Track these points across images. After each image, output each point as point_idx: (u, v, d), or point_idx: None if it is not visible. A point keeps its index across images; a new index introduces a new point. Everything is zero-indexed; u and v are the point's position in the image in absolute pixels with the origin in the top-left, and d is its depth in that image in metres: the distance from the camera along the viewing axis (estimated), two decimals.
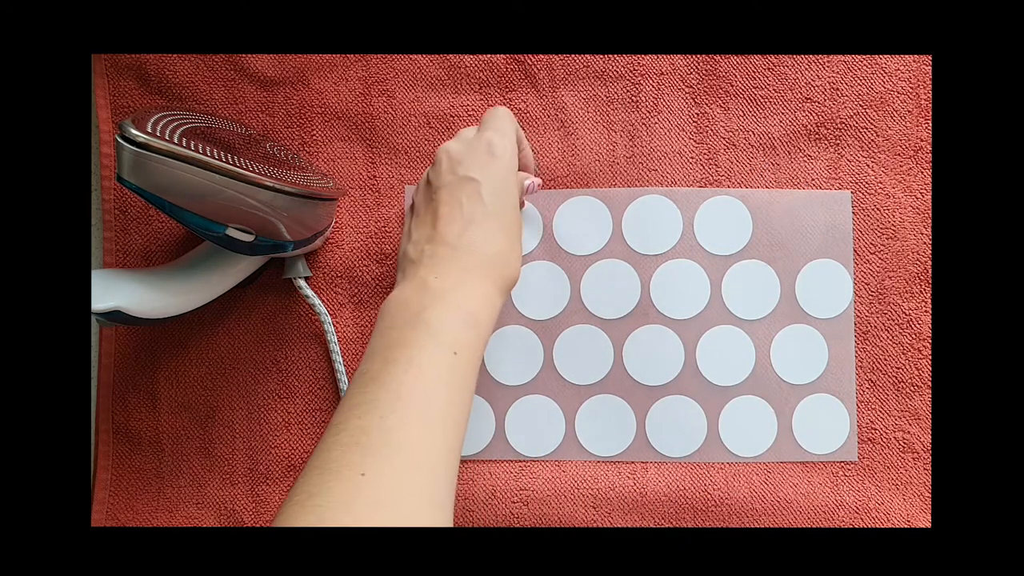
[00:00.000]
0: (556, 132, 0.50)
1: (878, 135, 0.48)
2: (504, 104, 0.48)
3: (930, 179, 0.48)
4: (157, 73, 0.50)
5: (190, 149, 0.36)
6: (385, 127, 0.50)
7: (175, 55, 0.50)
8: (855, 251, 0.48)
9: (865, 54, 0.48)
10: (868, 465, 0.48)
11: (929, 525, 0.47)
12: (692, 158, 0.49)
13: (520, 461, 0.49)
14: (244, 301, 0.50)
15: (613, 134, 0.49)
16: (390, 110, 0.50)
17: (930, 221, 0.48)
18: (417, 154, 0.50)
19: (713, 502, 0.48)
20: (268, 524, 0.49)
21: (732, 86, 0.49)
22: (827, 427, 0.48)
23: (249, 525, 0.50)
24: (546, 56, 0.50)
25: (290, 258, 0.49)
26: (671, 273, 0.49)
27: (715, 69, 0.49)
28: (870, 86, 0.48)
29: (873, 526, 0.48)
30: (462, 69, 0.50)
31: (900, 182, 0.48)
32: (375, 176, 0.51)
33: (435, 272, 0.37)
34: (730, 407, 0.48)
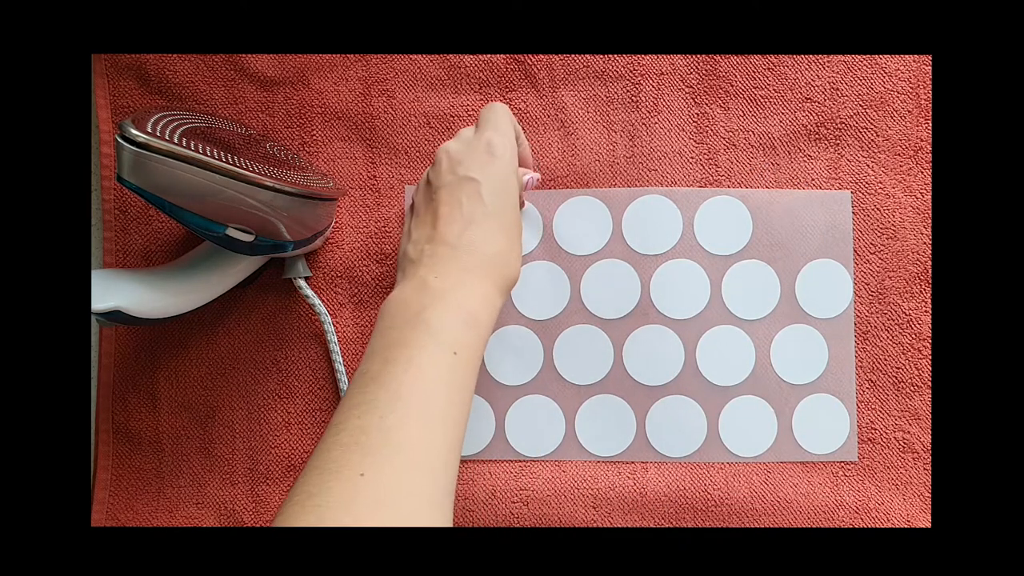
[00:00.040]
0: (556, 132, 0.50)
1: (878, 135, 0.48)
2: (504, 104, 0.48)
3: (930, 179, 0.48)
4: (157, 73, 0.50)
5: (190, 149, 0.36)
6: (385, 127, 0.50)
7: (175, 55, 0.50)
8: (855, 251, 0.48)
9: (865, 54, 0.48)
10: (868, 465, 0.48)
11: (929, 525, 0.47)
12: (692, 158, 0.49)
13: (520, 461, 0.49)
14: (244, 301, 0.50)
15: (613, 134, 0.49)
16: (390, 110, 0.50)
17: (930, 221, 0.48)
18: (417, 154, 0.50)
19: (713, 502, 0.48)
20: (268, 524, 0.49)
21: (732, 86, 0.49)
22: (827, 427, 0.48)
23: (249, 525, 0.50)
24: (546, 56, 0.50)
25: (290, 258, 0.49)
26: (671, 273, 0.49)
27: (715, 69, 0.49)
28: (870, 86, 0.48)
29: (873, 526, 0.48)
30: (462, 69, 0.50)
31: (900, 182, 0.48)
32: (375, 176, 0.51)
33: (435, 272, 0.37)
34: (730, 407, 0.48)
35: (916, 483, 0.48)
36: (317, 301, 0.49)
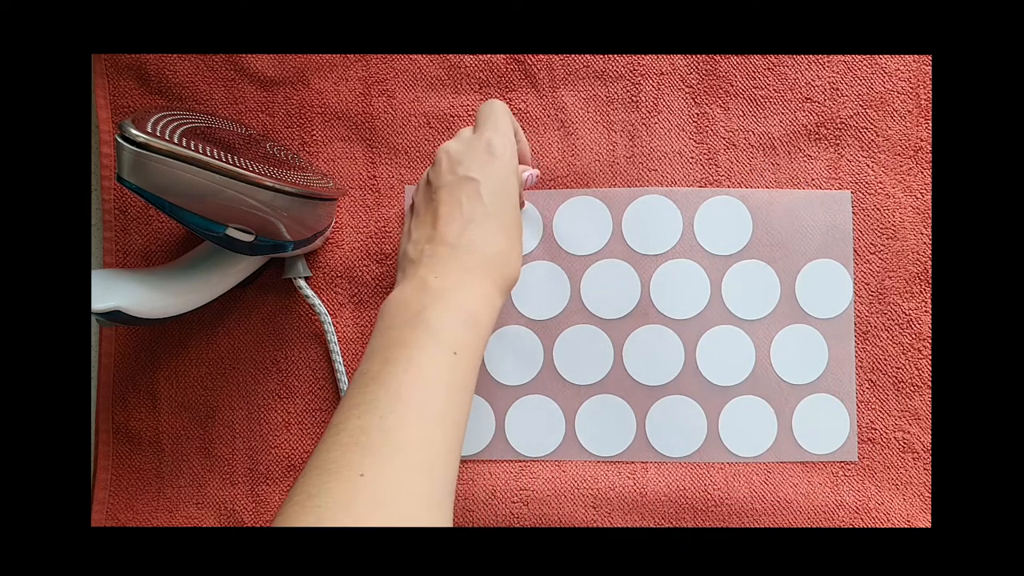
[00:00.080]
0: (556, 132, 0.50)
1: (878, 135, 0.48)
2: (502, 101, 0.48)
3: (930, 179, 0.48)
4: (157, 73, 0.50)
5: (190, 149, 0.36)
6: (385, 127, 0.50)
7: (175, 55, 0.50)
8: (855, 251, 0.48)
9: (865, 54, 0.48)
10: (868, 465, 0.48)
11: (929, 525, 0.47)
12: (692, 158, 0.49)
13: (520, 461, 0.49)
14: (244, 301, 0.50)
15: (613, 134, 0.49)
16: (390, 110, 0.50)
17: (930, 221, 0.48)
18: (417, 154, 0.50)
19: (713, 502, 0.48)
20: (268, 524, 0.49)
21: (732, 86, 0.49)
22: (827, 427, 0.48)
23: (249, 525, 0.50)
24: (546, 56, 0.50)
25: (290, 258, 0.49)
26: (671, 273, 0.49)
27: (715, 69, 0.49)
28: (870, 86, 0.48)
29: (873, 526, 0.48)
30: (462, 69, 0.50)
31: (900, 182, 0.48)
32: (375, 176, 0.51)
33: (435, 272, 0.37)
34: (730, 407, 0.48)
35: (916, 483, 0.48)
36: (317, 301, 0.49)
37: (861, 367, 0.48)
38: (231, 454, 0.50)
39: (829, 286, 0.48)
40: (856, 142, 0.49)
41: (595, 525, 0.48)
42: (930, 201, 0.48)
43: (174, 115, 0.40)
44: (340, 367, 0.49)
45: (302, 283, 0.49)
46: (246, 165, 0.39)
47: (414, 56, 0.50)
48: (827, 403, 0.48)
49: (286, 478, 0.50)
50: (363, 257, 0.50)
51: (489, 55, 0.50)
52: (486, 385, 0.49)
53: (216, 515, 0.50)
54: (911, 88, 0.48)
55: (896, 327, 0.48)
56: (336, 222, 0.50)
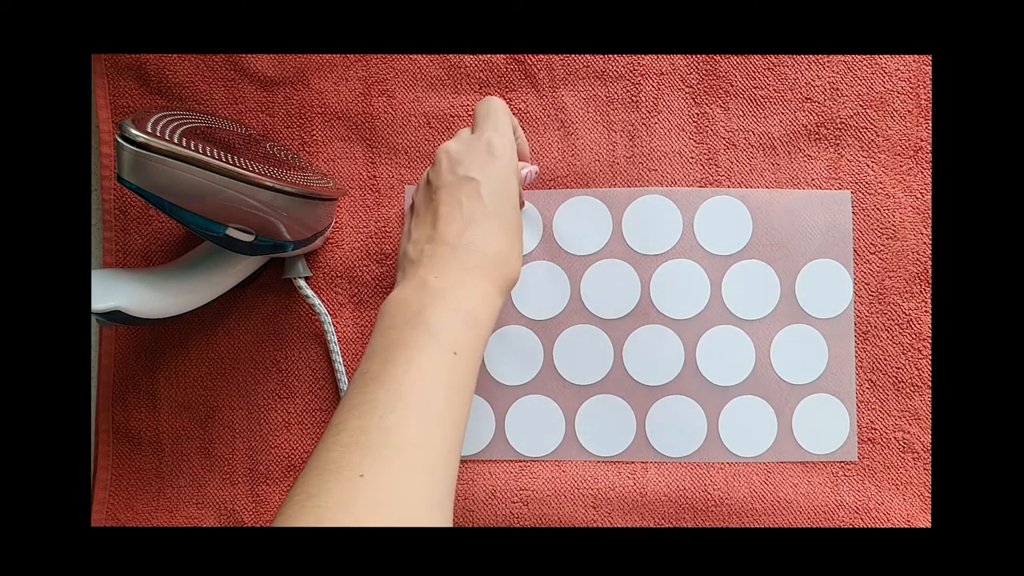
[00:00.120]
0: (556, 132, 0.50)
1: (878, 135, 0.48)
2: (500, 98, 0.47)
3: (930, 179, 0.48)
4: (157, 73, 0.50)
5: (190, 149, 0.36)
6: (385, 127, 0.50)
7: (175, 55, 0.50)
8: (855, 251, 0.48)
9: (865, 54, 0.48)
10: (868, 465, 0.48)
11: (929, 525, 0.47)
12: (692, 158, 0.49)
13: (520, 461, 0.49)
14: (244, 301, 0.50)
15: (613, 134, 0.49)
16: (390, 110, 0.50)
17: (930, 221, 0.48)
18: (417, 154, 0.50)
19: (713, 502, 0.48)
20: (268, 524, 0.49)
21: (732, 86, 0.49)
22: (827, 427, 0.48)
23: (249, 525, 0.50)
24: (546, 56, 0.50)
25: (290, 258, 0.49)
26: (671, 273, 0.49)
27: (715, 69, 0.49)
28: (870, 86, 0.48)
29: (873, 526, 0.48)
30: (462, 69, 0.50)
31: (900, 182, 0.48)
32: (375, 176, 0.51)
33: (435, 272, 0.37)
34: (730, 407, 0.48)
35: (916, 483, 0.48)
36: (317, 301, 0.49)
37: (861, 367, 0.48)
38: (231, 454, 0.50)
39: (829, 286, 0.48)
40: (856, 142, 0.49)
41: (595, 525, 0.48)
42: (930, 201, 0.48)
43: (174, 115, 0.40)
44: (340, 367, 0.49)
45: (302, 283, 0.49)
46: (246, 165, 0.39)
47: (414, 56, 0.50)
48: (827, 403, 0.48)
49: (286, 478, 0.50)
50: (363, 257, 0.50)
51: (489, 55, 0.50)
52: (486, 385, 0.49)
53: (216, 515, 0.50)
54: (911, 88, 0.48)
55: (896, 327, 0.48)
56: (336, 222, 0.50)
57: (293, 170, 0.45)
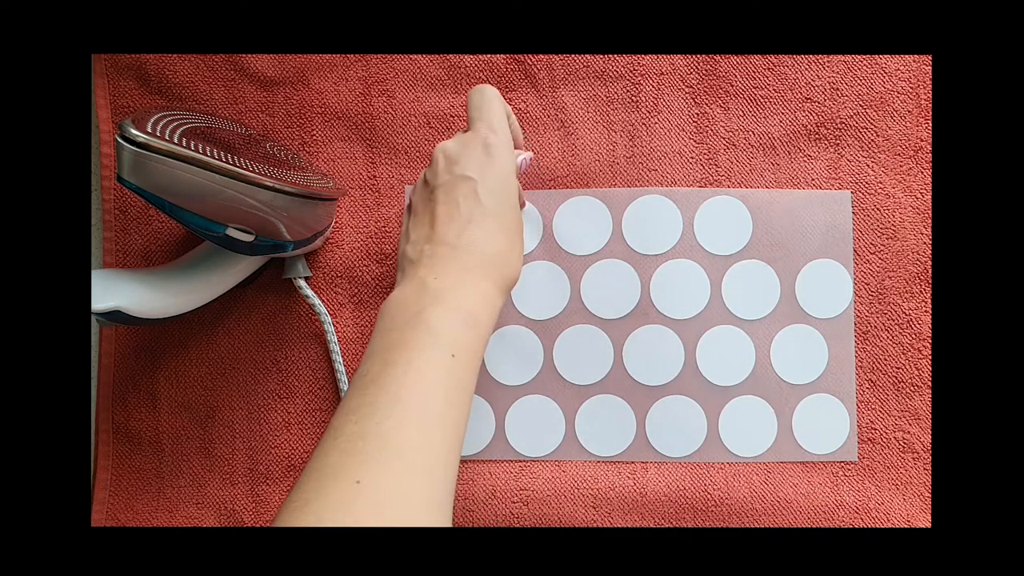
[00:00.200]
0: (556, 132, 0.50)
1: (878, 135, 0.48)
2: (492, 87, 0.44)
3: (930, 179, 0.48)
4: (157, 73, 0.50)
5: (190, 149, 0.36)
6: (385, 127, 0.50)
7: (175, 55, 0.50)
8: (855, 251, 0.48)
9: (865, 54, 0.48)
10: (868, 465, 0.48)
11: (929, 525, 0.47)
12: (692, 158, 0.49)
13: (520, 461, 0.49)
14: (244, 301, 0.50)
15: (613, 134, 0.49)
16: (390, 110, 0.50)
17: (930, 221, 0.48)
18: (417, 154, 0.50)
19: (713, 502, 0.48)
20: (268, 524, 0.49)
21: (732, 86, 0.49)
22: (827, 427, 0.48)
23: (249, 525, 0.50)
24: (546, 56, 0.50)
25: (290, 258, 0.49)
26: (671, 273, 0.49)
27: (715, 69, 0.49)
28: (870, 86, 0.48)
29: (873, 526, 0.48)
30: (462, 69, 0.50)
31: (900, 182, 0.48)
32: (375, 176, 0.51)
33: (434, 272, 0.36)
34: (730, 407, 0.48)
35: (916, 483, 0.48)
36: (317, 301, 0.49)
37: (861, 367, 0.48)
38: (231, 454, 0.50)
39: (829, 286, 0.48)
40: (856, 142, 0.49)
41: (595, 525, 0.48)
42: (930, 201, 0.48)
43: (174, 115, 0.40)
44: (340, 367, 0.49)
45: (302, 283, 0.49)
46: (246, 165, 0.39)
47: (414, 56, 0.50)
48: (827, 403, 0.48)
49: (286, 478, 0.50)
50: (363, 257, 0.50)
51: (489, 55, 0.50)
52: (486, 385, 0.49)
53: (216, 515, 0.50)
54: (911, 88, 0.48)
55: (896, 327, 0.48)
56: (336, 222, 0.50)
57: (293, 170, 0.45)
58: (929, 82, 0.48)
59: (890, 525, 0.47)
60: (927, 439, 0.48)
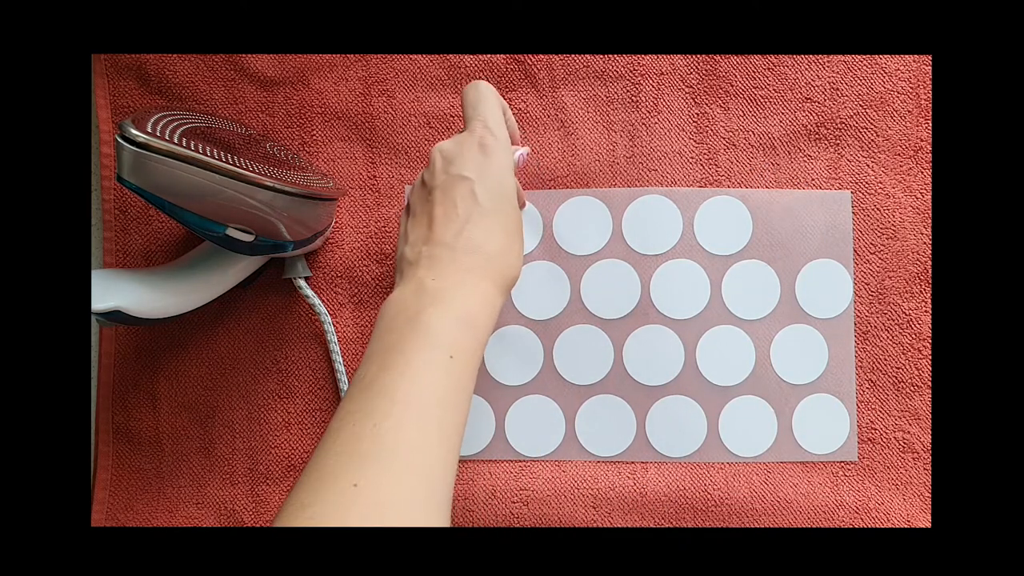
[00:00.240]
0: (556, 132, 0.50)
1: (878, 135, 0.48)
2: (487, 83, 0.43)
3: (930, 179, 0.48)
4: (157, 73, 0.50)
5: (190, 149, 0.36)
6: (385, 127, 0.50)
7: (175, 55, 0.50)
8: (855, 251, 0.48)
9: (865, 54, 0.48)
10: (868, 465, 0.48)
11: (929, 525, 0.47)
12: (692, 158, 0.49)
13: (520, 461, 0.49)
14: (244, 301, 0.50)
15: (613, 134, 0.49)
16: (390, 110, 0.50)
17: (930, 221, 0.48)
18: (417, 154, 0.50)
19: (713, 502, 0.48)
20: (268, 524, 0.49)
21: (732, 86, 0.49)
22: (827, 427, 0.48)
23: (249, 525, 0.50)
24: (546, 56, 0.50)
25: (290, 258, 0.49)
26: (671, 273, 0.49)
27: (715, 69, 0.49)
28: (870, 86, 0.48)
29: (873, 526, 0.48)
30: (462, 69, 0.50)
31: (900, 182, 0.48)
32: (375, 176, 0.51)
33: (432, 273, 0.36)
34: (730, 407, 0.48)
35: (916, 483, 0.48)
36: (317, 301, 0.49)
37: (861, 367, 0.48)
38: (231, 454, 0.50)
39: (829, 286, 0.48)
40: (856, 142, 0.49)
41: (595, 525, 0.48)
42: (930, 201, 0.48)
43: (174, 115, 0.40)
44: (340, 367, 0.49)
45: (302, 283, 0.49)
46: (246, 165, 0.39)
47: (414, 56, 0.50)
48: (827, 403, 0.48)
49: (286, 478, 0.50)
50: (363, 257, 0.50)
51: (489, 55, 0.50)
52: (486, 385, 0.49)
53: (216, 515, 0.50)
54: (911, 88, 0.48)
55: (896, 327, 0.48)
56: (336, 222, 0.50)
57: (293, 170, 0.45)
58: (929, 82, 0.48)
59: (890, 525, 0.47)
60: (927, 439, 0.48)
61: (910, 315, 0.48)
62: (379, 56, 0.50)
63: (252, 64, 0.50)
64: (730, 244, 0.49)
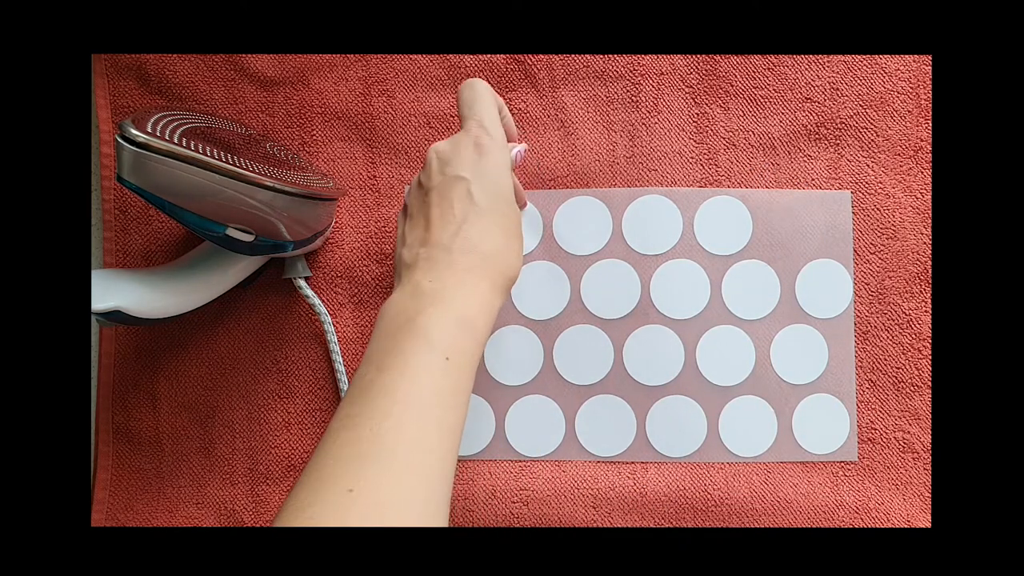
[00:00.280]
0: (556, 132, 0.50)
1: (878, 135, 0.48)
2: (483, 81, 0.42)
3: (930, 179, 0.48)
4: (157, 73, 0.50)
5: (190, 149, 0.36)
6: (385, 127, 0.50)
7: (175, 55, 0.50)
8: (855, 251, 0.48)
9: (865, 54, 0.48)
10: (868, 465, 0.48)
11: (929, 525, 0.47)
12: (692, 158, 0.49)
13: (520, 461, 0.49)
14: (244, 301, 0.50)
15: (613, 134, 0.49)
16: (390, 110, 0.50)
17: (930, 221, 0.48)
18: (417, 154, 0.50)
19: (713, 502, 0.48)
20: (268, 524, 0.49)
21: (732, 86, 0.49)
22: (827, 427, 0.48)
23: (249, 525, 0.50)
24: (546, 56, 0.50)
25: (290, 258, 0.49)
26: (671, 273, 0.49)
27: (715, 69, 0.49)
28: (870, 86, 0.48)
29: (873, 526, 0.48)
30: (462, 69, 0.50)
31: (900, 182, 0.48)
32: (375, 176, 0.51)
33: (430, 275, 0.36)
34: (730, 407, 0.48)
35: (916, 483, 0.48)
36: (317, 301, 0.49)
37: (861, 367, 0.48)
38: (231, 454, 0.50)
39: (829, 286, 0.48)
40: (856, 142, 0.49)
41: (595, 525, 0.48)
42: (930, 201, 0.48)
43: (174, 115, 0.40)
44: (340, 367, 0.49)
45: (302, 283, 0.49)
46: (246, 165, 0.39)
47: (414, 56, 0.50)
48: (827, 403, 0.48)
49: (286, 478, 0.50)
50: (363, 257, 0.50)
51: (489, 55, 0.50)
52: (486, 385, 0.49)
53: (216, 515, 0.50)
54: (911, 88, 0.48)
55: (896, 327, 0.48)
56: (336, 222, 0.50)
57: (293, 170, 0.45)
58: (929, 82, 0.48)
59: (890, 525, 0.47)
60: (927, 439, 0.48)
61: (910, 315, 0.48)
62: (379, 56, 0.50)
63: (252, 64, 0.50)
64: (730, 244, 0.49)
